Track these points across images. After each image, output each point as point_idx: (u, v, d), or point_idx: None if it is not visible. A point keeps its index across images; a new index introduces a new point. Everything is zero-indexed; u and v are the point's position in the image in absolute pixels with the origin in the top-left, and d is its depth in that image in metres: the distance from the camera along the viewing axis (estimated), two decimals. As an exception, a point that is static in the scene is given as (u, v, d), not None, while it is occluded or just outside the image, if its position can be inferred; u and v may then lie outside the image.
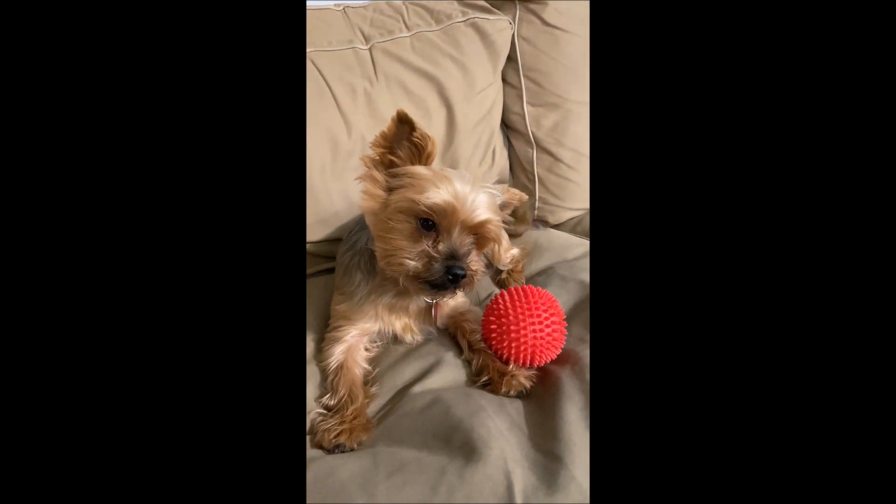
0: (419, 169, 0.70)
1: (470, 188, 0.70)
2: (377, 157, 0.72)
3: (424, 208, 0.67)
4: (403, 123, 0.69)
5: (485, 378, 0.72)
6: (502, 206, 0.79)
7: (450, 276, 0.68)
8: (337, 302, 0.84)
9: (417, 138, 0.69)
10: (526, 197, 0.85)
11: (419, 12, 1.18)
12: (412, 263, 0.69)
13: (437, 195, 0.67)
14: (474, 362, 0.75)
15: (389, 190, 0.71)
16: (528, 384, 0.69)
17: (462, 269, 0.68)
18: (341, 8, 1.16)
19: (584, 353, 0.72)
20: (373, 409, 0.72)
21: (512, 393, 0.69)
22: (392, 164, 0.72)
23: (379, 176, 0.71)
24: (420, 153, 0.71)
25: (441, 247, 0.69)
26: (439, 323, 0.84)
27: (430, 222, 0.69)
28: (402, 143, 0.71)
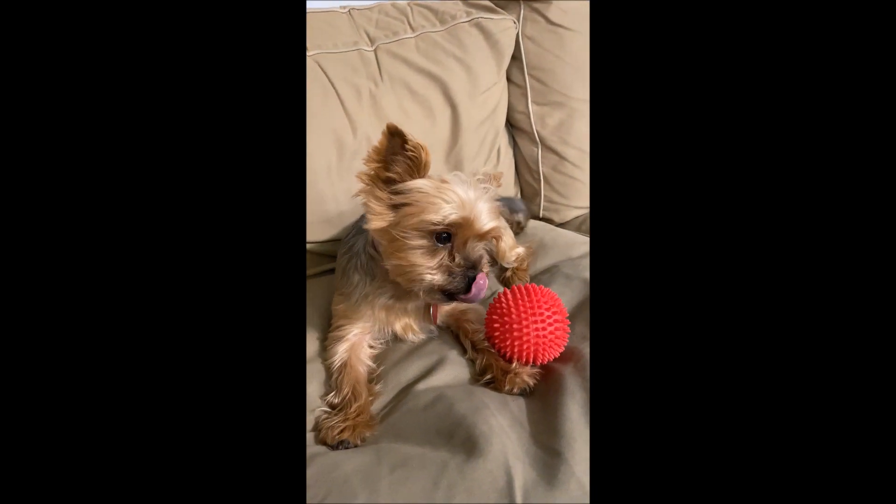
0: (421, 183, 0.70)
1: (473, 193, 0.71)
2: (373, 173, 0.70)
3: (443, 228, 0.69)
4: (395, 136, 0.68)
5: (488, 376, 0.72)
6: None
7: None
8: (336, 302, 0.85)
9: (411, 149, 0.68)
10: (501, 173, 0.86)
11: (424, 13, 1.19)
12: (434, 277, 0.70)
13: (451, 211, 0.68)
14: (478, 361, 0.75)
15: (394, 207, 0.71)
16: (530, 382, 0.70)
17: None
18: (347, 10, 1.16)
19: (587, 350, 0.72)
20: (377, 406, 0.73)
21: (515, 391, 0.69)
22: (390, 181, 0.71)
23: (381, 194, 0.71)
24: (417, 164, 0.69)
25: (458, 258, 0.70)
26: (439, 321, 0.84)
27: (443, 235, 0.70)
28: (397, 158, 0.69)
